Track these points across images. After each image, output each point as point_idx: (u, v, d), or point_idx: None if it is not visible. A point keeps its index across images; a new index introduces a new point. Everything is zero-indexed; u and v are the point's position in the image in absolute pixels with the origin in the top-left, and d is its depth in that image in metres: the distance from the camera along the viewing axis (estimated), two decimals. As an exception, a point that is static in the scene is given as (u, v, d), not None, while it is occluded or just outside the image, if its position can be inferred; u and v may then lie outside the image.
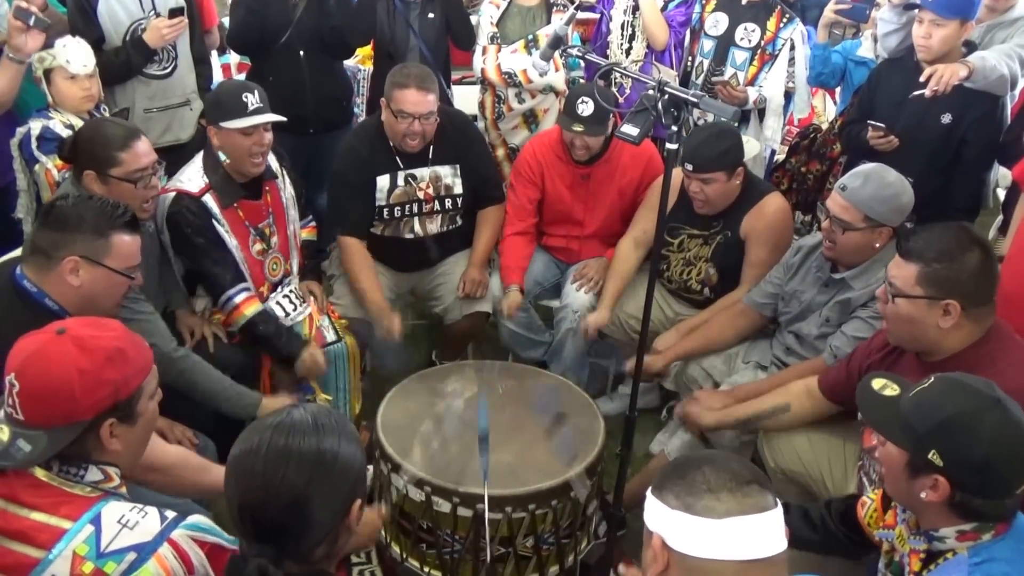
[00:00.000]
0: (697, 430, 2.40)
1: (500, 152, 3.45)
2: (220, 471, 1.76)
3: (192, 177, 2.41)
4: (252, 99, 2.36)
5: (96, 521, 1.26)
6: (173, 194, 2.38)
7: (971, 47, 2.70)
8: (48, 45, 2.57)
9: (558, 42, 2.15)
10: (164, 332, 2.16)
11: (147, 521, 1.27)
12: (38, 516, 1.26)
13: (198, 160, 2.46)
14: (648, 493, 1.15)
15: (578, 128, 2.70)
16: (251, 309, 2.43)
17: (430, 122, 2.66)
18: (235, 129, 2.35)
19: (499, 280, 2.92)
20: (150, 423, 1.43)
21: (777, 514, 1.09)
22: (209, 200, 2.39)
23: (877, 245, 2.22)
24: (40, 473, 1.30)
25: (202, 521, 1.32)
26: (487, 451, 1.89)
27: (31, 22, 2.44)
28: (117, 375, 1.31)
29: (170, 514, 1.30)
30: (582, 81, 3.31)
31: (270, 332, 2.45)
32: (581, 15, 3.34)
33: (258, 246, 2.52)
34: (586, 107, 2.67)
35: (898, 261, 1.81)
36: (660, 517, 1.11)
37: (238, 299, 2.42)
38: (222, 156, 2.41)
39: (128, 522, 1.26)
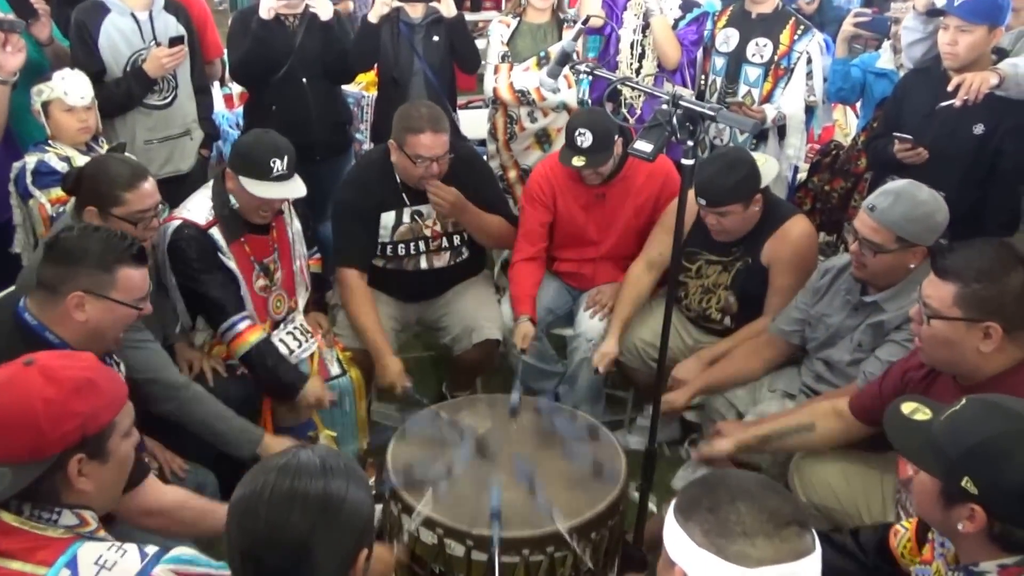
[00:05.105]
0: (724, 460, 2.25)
1: (512, 174, 3.36)
2: (224, 511, 1.69)
3: (199, 208, 2.38)
4: (279, 165, 2.32)
5: (72, 564, 1.20)
6: (177, 223, 2.33)
7: (1002, 54, 2.58)
8: (47, 78, 2.57)
9: (565, 59, 2.09)
10: (168, 361, 2.12)
11: (126, 560, 1.21)
12: (13, 564, 1.20)
13: (206, 191, 2.42)
14: (671, 516, 1.07)
15: (579, 162, 2.60)
16: (254, 336, 2.36)
17: (445, 160, 2.60)
18: (251, 191, 2.32)
19: (509, 308, 2.81)
20: (123, 464, 1.36)
21: (815, 558, 1.03)
22: (215, 233, 2.36)
23: (912, 266, 2.09)
24: (10, 518, 1.24)
25: (184, 552, 1.26)
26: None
27: (3, 27, 2.44)
28: (86, 407, 1.26)
29: (151, 549, 1.24)
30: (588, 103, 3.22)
31: (272, 364, 2.38)
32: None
33: (261, 282, 2.47)
34: (584, 139, 2.56)
35: (933, 280, 1.71)
36: (684, 551, 1.04)
37: (241, 326, 2.35)
38: (232, 200, 2.39)
39: (106, 562, 1.20)
